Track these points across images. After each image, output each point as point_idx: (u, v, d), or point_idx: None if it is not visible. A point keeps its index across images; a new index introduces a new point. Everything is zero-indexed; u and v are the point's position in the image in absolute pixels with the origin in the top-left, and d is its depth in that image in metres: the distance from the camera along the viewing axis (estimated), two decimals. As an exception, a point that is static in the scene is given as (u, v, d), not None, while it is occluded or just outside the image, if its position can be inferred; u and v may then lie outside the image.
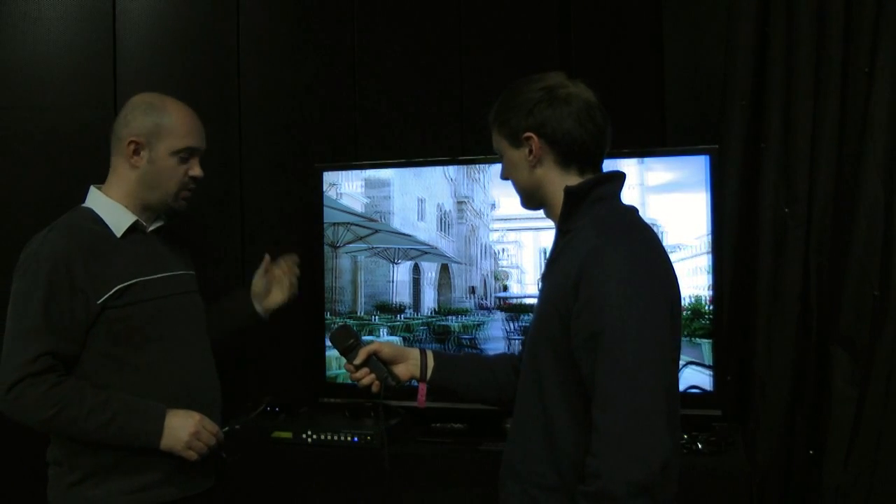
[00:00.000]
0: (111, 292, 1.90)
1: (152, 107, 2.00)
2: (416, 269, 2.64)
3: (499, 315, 2.58)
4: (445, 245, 2.61)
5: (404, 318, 2.65)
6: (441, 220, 2.61)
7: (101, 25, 2.76)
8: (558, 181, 1.63)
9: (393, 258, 2.65)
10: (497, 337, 2.57)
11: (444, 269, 2.63)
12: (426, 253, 2.63)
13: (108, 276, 1.91)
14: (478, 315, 2.59)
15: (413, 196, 2.63)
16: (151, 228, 2.05)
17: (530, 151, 1.63)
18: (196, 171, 2.03)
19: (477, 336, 2.59)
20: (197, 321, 2.11)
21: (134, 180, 2.00)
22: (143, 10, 2.80)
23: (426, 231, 2.63)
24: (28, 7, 2.73)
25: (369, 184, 2.67)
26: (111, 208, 1.99)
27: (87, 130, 2.72)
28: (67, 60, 2.76)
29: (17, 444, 2.26)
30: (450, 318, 2.61)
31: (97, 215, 1.99)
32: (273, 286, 2.30)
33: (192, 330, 2.07)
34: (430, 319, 2.63)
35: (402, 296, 2.65)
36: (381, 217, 2.65)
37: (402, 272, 2.65)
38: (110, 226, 1.98)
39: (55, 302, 1.86)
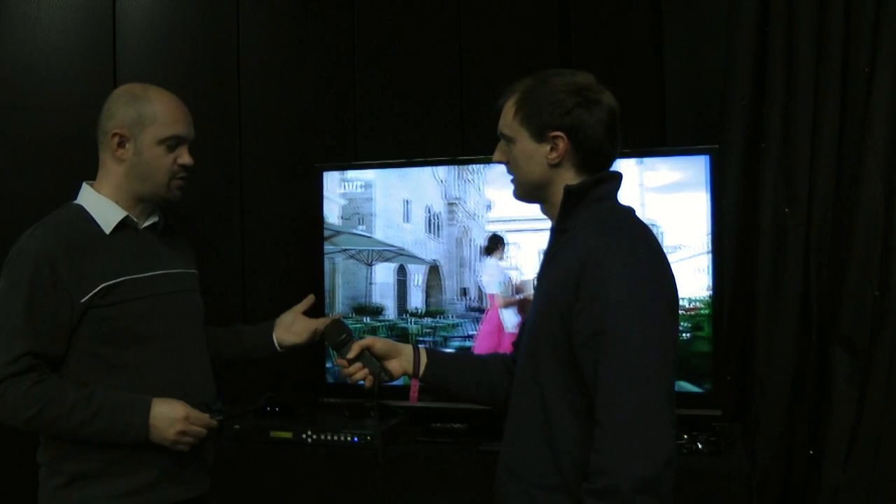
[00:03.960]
0: (95, 291, 1.85)
1: (134, 96, 1.93)
2: (402, 272, 2.62)
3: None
4: (435, 247, 2.59)
5: (373, 320, 2.63)
6: (430, 221, 2.59)
7: (101, 25, 2.76)
8: (569, 182, 1.62)
9: (367, 260, 2.63)
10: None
11: (434, 272, 2.60)
12: (399, 255, 2.60)
13: (93, 274, 1.86)
14: (452, 318, 2.58)
15: (398, 198, 2.61)
16: (145, 225, 2.02)
17: (552, 149, 1.60)
18: (185, 158, 1.95)
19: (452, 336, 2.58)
20: (192, 321, 2.06)
21: (122, 174, 1.94)
22: (143, 10, 2.80)
23: (413, 233, 2.60)
24: (28, 7, 2.74)
25: (351, 186, 2.64)
26: (101, 204, 1.94)
27: (87, 130, 2.68)
28: (67, 60, 2.76)
29: (11, 446, 2.26)
30: (410, 320, 2.59)
31: (87, 212, 1.94)
32: (298, 324, 2.14)
33: (186, 330, 2.02)
34: (395, 322, 2.61)
35: (387, 298, 2.63)
36: (360, 219, 2.62)
37: (387, 274, 2.62)
38: (99, 223, 1.93)
39: (38, 301, 1.81)
